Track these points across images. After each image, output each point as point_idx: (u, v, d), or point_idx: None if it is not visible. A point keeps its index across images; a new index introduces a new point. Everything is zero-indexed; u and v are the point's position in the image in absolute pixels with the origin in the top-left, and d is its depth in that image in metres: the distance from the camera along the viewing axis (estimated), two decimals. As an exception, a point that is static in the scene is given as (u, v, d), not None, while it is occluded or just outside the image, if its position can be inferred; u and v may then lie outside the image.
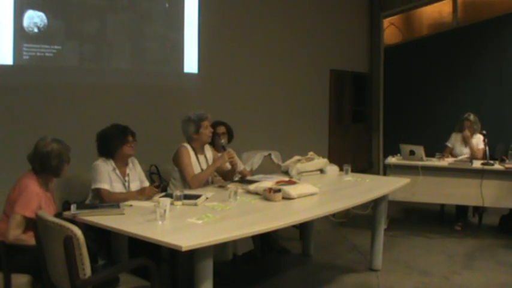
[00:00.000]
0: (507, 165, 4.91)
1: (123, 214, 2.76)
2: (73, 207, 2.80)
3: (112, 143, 3.23)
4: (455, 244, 4.75)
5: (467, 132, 5.35)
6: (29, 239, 2.57)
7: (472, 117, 5.38)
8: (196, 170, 3.67)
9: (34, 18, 4.46)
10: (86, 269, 2.23)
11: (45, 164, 2.68)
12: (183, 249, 2.21)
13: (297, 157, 4.34)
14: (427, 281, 3.82)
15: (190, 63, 5.90)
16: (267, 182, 3.46)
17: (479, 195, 4.89)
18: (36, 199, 2.66)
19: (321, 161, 4.39)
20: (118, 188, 3.23)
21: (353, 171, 4.34)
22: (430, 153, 5.36)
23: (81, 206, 2.88)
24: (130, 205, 2.96)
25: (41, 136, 2.77)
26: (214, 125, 4.04)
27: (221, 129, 4.14)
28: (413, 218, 5.77)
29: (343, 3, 8.44)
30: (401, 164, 5.23)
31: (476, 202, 4.99)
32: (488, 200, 4.91)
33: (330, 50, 8.10)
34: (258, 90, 6.74)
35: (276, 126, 7.01)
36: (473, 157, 5.23)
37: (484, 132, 5.24)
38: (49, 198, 2.80)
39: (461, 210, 5.32)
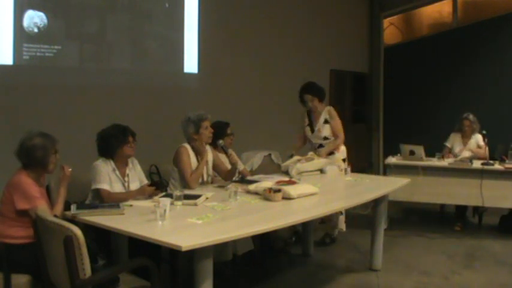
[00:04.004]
0: (507, 165, 4.91)
1: (123, 214, 2.76)
2: (73, 207, 2.80)
3: (112, 143, 3.23)
4: (455, 244, 4.75)
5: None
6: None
7: (471, 116, 5.39)
8: (196, 170, 3.67)
9: (34, 18, 4.46)
10: (86, 269, 2.23)
11: (31, 157, 2.69)
12: (183, 249, 2.21)
13: (297, 157, 4.34)
14: (427, 281, 3.82)
15: (190, 63, 5.90)
16: (267, 182, 3.46)
17: (479, 195, 4.89)
18: (33, 187, 2.66)
19: (321, 161, 4.39)
20: (118, 188, 3.22)
21: (353, 171, 4.34)
22: (430, 153, 5.36)
23: (81, 206, 2.88)
24: (131, 205, 2.96)
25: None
26: (219, 126, 4.04)
27: (230, 129, 4.16)
28: (413, 218, 5.77)
29: (343, 3, 8.44)
30: (401, 164, 5.23)
31: (476, 202, 5.00)
32: (488, 200, 4.91)
33: (330, 50, 8.10)
34: (258, 90, 6.74)
35: (276, 126, 7.00)
36: (477, 157, 5.23)
37: (484, 132, 5.24)
38: (43, 193, 2.81)
39: (460, 211, 5.33)
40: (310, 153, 4.44)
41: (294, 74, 7.34)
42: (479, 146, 5.35)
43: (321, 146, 4.62)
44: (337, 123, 4.62)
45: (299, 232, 4.55)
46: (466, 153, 5.29)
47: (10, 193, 2.65)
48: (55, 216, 2.63)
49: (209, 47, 6.00)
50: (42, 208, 2.63)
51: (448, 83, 8.16)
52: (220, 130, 4.00)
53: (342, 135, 4.63)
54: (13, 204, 2.62)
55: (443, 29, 8.59)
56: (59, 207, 2.77)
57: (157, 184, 3.24)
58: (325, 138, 4.60)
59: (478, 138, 5.38)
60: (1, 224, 2.67)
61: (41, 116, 4.38)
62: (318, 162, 4.36)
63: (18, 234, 2.64)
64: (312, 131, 4.63)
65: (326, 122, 4.60)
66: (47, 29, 4.53)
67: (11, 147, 2.77)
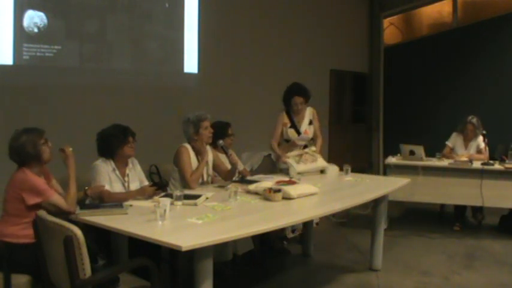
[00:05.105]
0: (507, 165, 4.91)
1: (127, 214, 2.76)
2: (76, 207, 2.81)
3: (112, 143, 3.23)
4: (455, 244, 4.76)
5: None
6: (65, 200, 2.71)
7: (475, 120, 5.31)
8: (196, 170, 3.67)
9: (34, 18, 4.46)
10: (86, 269, 2.23)
11: (23, 155, 2.69)
12: (183, 249, 2.21)
13: (297, 151, 4.34)
14: (427, 281, 3.82)
15: (190, 63, 5.90)
16: (267, 182, 3.46)
17: (479, 195, 4.89)
18: (39, 180, 2.69)
19: (319, 163, 4.37)
20: (118, 188, 3.22)
21: (353, 171, 4.34)
22: (430, 153, 5.36)
23: (84, 205, 2.88)
24: (131, 205, 2.96)
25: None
26: (220, 126, 4.03)
27: (231, 130, 4.16)
28: (413, 218, 5.77)
29: (343, 3, 8.44)
30: (401, 164, 5.23)
31: (476, 202, 5.00)
32: (488, 200, 4.91)
33: (330, 50, 8.10)
34: (258, 90, 6.74)
35: (276, 126, 7.00)
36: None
37: (484, 132, 5.24)
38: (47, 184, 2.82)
39: (460, 211, 5.32)
40: (313, 148, 4.43)
41: (294, 74, 7.34)
42: (479, 149, 5.34)
43: (305, 146, 4.50)
44: (319, 123, 4.61)
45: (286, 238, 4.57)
46: (465, 159, 5.25)
47: (16, 191, 2.64)
48: (69, 202, 2.71)
49: (209, 47, 6.00)
50: (55, 198, 2.67)
51: (448, 83, 8.16)
52: (221, 130, 4.00)
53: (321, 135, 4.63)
54: (22, 201, 2.62)
55: (443, 29, 8.59)
56: (72, 190, 2.77)
57: (160, 185, 3.24)
58: (311, 139, 4.53)
59: (479, 140, 5.37)
60: (4, 223, 2.68)
61: (40, 116, 4.37)
62: (317, 164, 4.35)
63: (21, 233, 2.63)
64: (298, 132, 4.48)
65: (310, 123, 4.51)
66: (47, 29, 4.53)
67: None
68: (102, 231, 2.65)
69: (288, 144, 4.49)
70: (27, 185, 2.63)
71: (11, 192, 2.67)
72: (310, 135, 4.51)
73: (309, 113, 4.52)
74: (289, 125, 4.49)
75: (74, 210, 2.74)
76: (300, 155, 4.28)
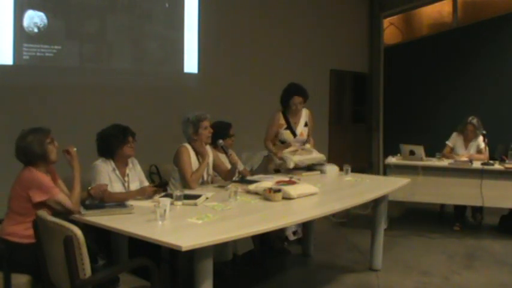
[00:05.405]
0: (507, 165, 4.91)
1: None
2: (81, 208, 2.81)
3: (112, 143, 3.23)
4: (455, 244, 4.76)
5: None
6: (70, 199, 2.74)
7: (475, 121, 5.29)
8: (196, 170, 3.67)
9: (34, 18, 4.46)
10: (86, 269, 2.23)
11: (29, 155, 2.70)
12: (183, 249, 2.21)
13: (292, 148, 4.34)
14: (427, 281, 3.82)
15: (190, 63, 5.90)
16: (267, 182, 3.46)
17: (479, 195, 4.89)
18: (46, 178, 2.70)
19: (318, 155, 4.38)
20: (118, 188, 3.22)
21: (353, 171, 4.34)
22: (430, 153, 5.36)
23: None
24: (131, 205, 2.96)
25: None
26: (221, 126, 4.03)
27: (232, 130, 4.16)
28: (413, 218, 5.77)
29: (343, 3, 8.44)
30: (401, 164, 5.23)
31: (476, 202, 5.00)
32: (488, 200, 4.91)
33: (330, 50, 8.10)
34: (258, 90, 6.74)
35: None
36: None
37: (484, 132, 5.23)
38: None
39: (459, 211, 5.33)
40: (308, 146, 4.44)
41: (294, 74, 7.34)
42: (479, 149, 5.34)
43: None
44: (313, 126, 4.57)
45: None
46: (465, 159, 5.25)
47: (23, 189, 2.65)
48: (73, 202, 2.73)
49: (209, 47, 6.00)
50: (61, 196, 2.68)
51: (448, 83, 8.16)
52: (222, 130, 4.00)
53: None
54: (28, 200, 2.63)
55: (443, 29, 8.59)
56: (76, 190, 2.79)
57: (162, 185, 3.25)
58: (306, 141, 4.48)
59: (479, 141, 5.37)
60: (8, 220, 2.68)
61: (41, 116, 4.37)
62: (315, 157, 4.36)
63: (24, 233, 2.62)
64: (294, 134, 4.41)
65: (306, 125, 4.47)
66: (47, 29, 4.54)
67: (11, 146, 2.77)
68: (102, 231, 2.65)
69: (283, 145, 4.46)
70: (34, 183, 2.64)
71: (18, 190, 2.67)
72: (305, 137, 4.48)
73: (305, 114, 4.50)
74: (285, 126, 4.44)
75: (79, 210, 2.75)
76: (295, 151, 4.29)
